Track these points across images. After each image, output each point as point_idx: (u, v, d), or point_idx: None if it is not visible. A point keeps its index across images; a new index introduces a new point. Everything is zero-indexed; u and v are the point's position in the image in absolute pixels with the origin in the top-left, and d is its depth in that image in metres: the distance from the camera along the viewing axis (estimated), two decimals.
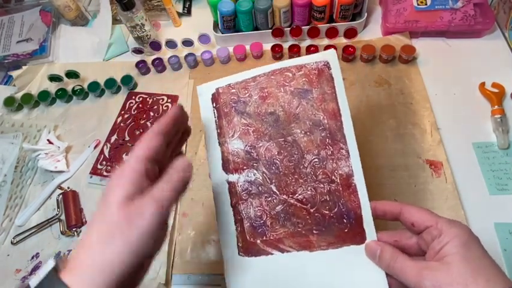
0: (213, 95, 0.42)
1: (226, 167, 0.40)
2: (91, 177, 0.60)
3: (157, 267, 0.49)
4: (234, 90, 0.41)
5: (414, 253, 0.33)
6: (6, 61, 0.77)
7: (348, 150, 0.37)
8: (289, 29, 0.68)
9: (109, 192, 0.27)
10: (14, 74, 0.74)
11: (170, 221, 0.53)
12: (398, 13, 0.66)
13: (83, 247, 0.27)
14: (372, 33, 0.70)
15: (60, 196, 0.58)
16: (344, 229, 0.36)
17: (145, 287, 0.49)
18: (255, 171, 0.39)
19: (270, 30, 0.69)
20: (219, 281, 0.49)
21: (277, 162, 0.38)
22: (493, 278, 0.27)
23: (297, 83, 0.39)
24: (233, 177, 0.40)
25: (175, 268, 0.50)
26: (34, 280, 0.26)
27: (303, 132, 0.38)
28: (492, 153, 0.53)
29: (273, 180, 0.38)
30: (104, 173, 0.59)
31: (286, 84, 0.40)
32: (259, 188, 0.39)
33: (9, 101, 0.69)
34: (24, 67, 0.75)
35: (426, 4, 0.65)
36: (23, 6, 0.84)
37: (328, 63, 0.38)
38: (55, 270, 0.26)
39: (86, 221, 0.56)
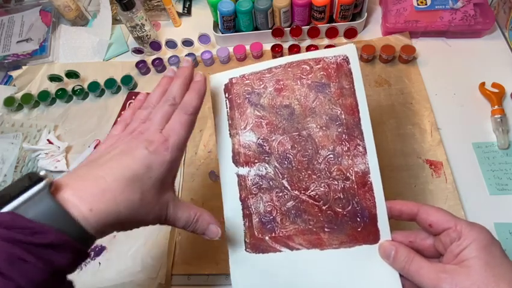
0: (226, 85, 0.41)
1: (237, 159, 0.39)
2: None
3: (157, 267, 0.49)
4: (248, 81, 0.40)
5: (429, 255, 0.32)
6: (6, 61, 0.77)
7: (366, 146, 0.35)
8: (289, 29, 0.68)
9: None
10: (14, 74, 0.74)
11: None
12: (398, 13, 0.66)
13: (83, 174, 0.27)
14: (372, 33, 0.70)
15: None
16: (357, 228, 0.35)
17: (145, 287, 0.49)
18: (266, 165, 0.38)
19: (270, 30, 0.69)
20: (219, 282, 0.49)
21: (290, 156, 0.37)
22: None
23: (314, 76, 0.38)
24: (243, 171, 0.39)
25: (175, 268, 0.50)
26: (19, 199, 0.24)
27: (318, 126, 0.37)
28: (492, 153, 0.53)
29: (285, 175, 0.37)
30: None
31: (304, 77, 0.38)
32: (270, 182, 0.38)
33: (9, 101, 0.69)
34: (24, 67, 0.75)
35: (426, 4, 0.65)
36: (23, 6, 0.84)
37: (347, 57, 0.37)
38: (49, 188, 0.25)
39: None
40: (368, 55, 0.64)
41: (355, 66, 0.37)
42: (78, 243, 0.25)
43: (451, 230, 0.30)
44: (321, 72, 0.38)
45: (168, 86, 0.36)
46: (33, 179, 0.25)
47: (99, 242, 0.54)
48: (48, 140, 0.62)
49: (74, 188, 0.26)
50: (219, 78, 0.41)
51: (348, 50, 0.37)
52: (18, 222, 0.23)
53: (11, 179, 0.60)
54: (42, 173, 0.25)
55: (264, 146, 0.38)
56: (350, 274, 0.34)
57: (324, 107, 0.37)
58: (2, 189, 0.25)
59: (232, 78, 0.41)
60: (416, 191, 0.51)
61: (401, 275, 0.32)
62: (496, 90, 0.58)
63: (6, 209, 0.23)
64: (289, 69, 0.39)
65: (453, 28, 0.64)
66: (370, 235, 0.34)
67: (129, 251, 0.52)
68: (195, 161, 0.59)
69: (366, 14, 0.68)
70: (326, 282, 0.35)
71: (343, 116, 0.37)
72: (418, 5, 0.65)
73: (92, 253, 0.53)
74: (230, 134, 0.40)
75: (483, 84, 0.59)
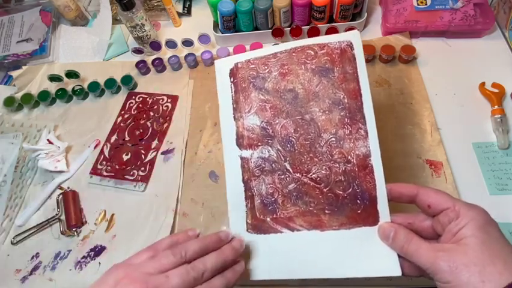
0: (231, 69, 0.42)
1: (240, 142, 0.40)
2: (91, 177, 0.60)
3: None
4: (253, 66, 0.41)
5: (428, 236, 0.32)
6: (6, 61, 0.77)
7: (367, 130, 0.36)
8: (289, 29, 0.68)
9: None
10: (14, 74, 0.74)
11: (171, 221, 0.53)
12: (398, 13, 0.66)
13: None
14: (372, 33, 0.70)
15: (60, 196, 0.58)
16: (357, 210, 0.35)
17: None
18: (269, 148, 0.39)
19: (270, 30, 0.69)
20: None
21: (293, 140, 0.38)
22: (511, 260, 0.27)
23: (318, 61, 0.39)
24: (246, 153, 0.40)
25: None
26: None
27: (321, 110, 0.38)
28: (492, 153, 0.53)
29: (288, 158, 0.38)
30: (104, 173, 0.59)
31: (308, 62, 0.39)
32: (273, 165, 0.39)
33: (9, 101, 0.69)
34: (24, 67, 0.75)
35: (426, 4, 0.65)
36: (23, 6, 0.84)
37: (351, 43, 0.38)
38: None
39: (86, 221, 0.56)
40: (368, 55, 0.64)
41: (359, 52, 0.38)
42: None
43: (449, 210, 0.30)
44: (325, 57, 0.39)
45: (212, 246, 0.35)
46: None
47: (99, 242, 0.54)
48: (48, 140, 0.62)
49: None
50: (225, 63, 0.42)
51: (352, 36, 0.38)
52: None
53: (11, 179, 0.60)
54: None
55: (268, 129, 0.39)
56: (349, 255, 0.35)
57: (327, 91, 0.38)
58: None
59: (237, 63, 0.42)
60: None
61: (399, 256, 0.33)
62: (496, 90, 0.58)
63: None
64: (294, 54, 0.40)
65: (453, 28, 0.64)
66: (370, 217, 0.35)
67: (129, 251, 0.52)
68: (195, 161, 0.59)
69: (366, 14, 0.68)
70: (325, 262, 0.35)
71: (346, 100, 0.37)
72: (418, 5, 0.65)
73: (92, 253, 0.53)
74: (234, 117, 0.41)
75: (483, 84, 0.59)
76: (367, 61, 0.65)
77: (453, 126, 0.57)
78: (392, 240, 0.32)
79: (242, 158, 0.40)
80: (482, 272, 0.26)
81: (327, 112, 0.38)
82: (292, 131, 0.38)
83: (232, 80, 0.42)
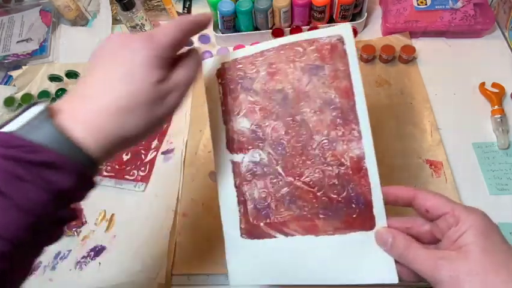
0: (219, 70, 0.39)
1: (231, 146, 0.39)
2: None
3: (157, 267, 0.49)
4: (240, 66, 0.39)
5: (427, 241, 0.31)
6: (6, 61, 0.76)
7: (361, 131, 0.34)
8: (289, 29, 0.68)
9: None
10: (14, 74, 0.74)
11: (171, 221, 0.53)
12: (398, 13, 0.66)
13: (84, 95, 0.26)
14: (372, 33, 0.70)
15: None
16: (352, 214, 0.34)
17: (145, 287, 0.49)
18: (260, 151, 0.37)
19: (270, 30, 0.69)
20: (219, 281, 0.49)
21: (284, 142, 0.37)
22: None
23: (308, 58, 0.36)
24: (237, 157, 0.38)
25: (175, 268, 0.50)
26: (15, 122, 0.23)
27: (312, 111, 0.36)
28: (492, 153, 0.53)
29: (279, 162, 0.37)
30: (104, 173, 0.59)
31: (297, 59, 0.37)
32: (265, 169, 0.37)
33: (9, 101, 0.69)
34: (24, 67, 0.75)
35: (426, 4, 0.65)
36: (23, 6, 0.84)
37: (342, 37, 0.35)
38: (46, 112, 0.24)
39: (86, 221, 0.56)
40: (368, 55, 0.64)
41: (350, 46, 0.35)
42: (80, 165, 0.24)
43: (448, 215, 0.29)
44: (315, 54, 0.36)
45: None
46: (30, 105, 0.25)
47: (99, 242, 0.54)
48: None
49: (69, 110, 0.25)
50: (212, 64, 0.40)
51: (343, 29, 0.35)
52: (16, 141, 0.22)
53: None
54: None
55: (258, 132, 0.38)
56: (345, 260, 0.34)
57: (318, 90, 0.36)
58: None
59: (224, 63, 0.39)
60: None
61: (396, 261, 0.32)
62: (496, 90, 0.58)
63: (4, 130, 0.23)
64: (282, 51, 0.37)
65: (453, 28, 0.64)
66: (365, 222, 0.34)
67: (129, 251, 0.52)
68: (195, 161, 0.59)
69: (366, 14, 0.68)
70: (320, 268, 0.35)
71: (337, 100, 0.35)
72: (418, 5, 0.65)
73: (92, 253, 0.53)
74: (224, 120, 0.39)
75: (483, 84, 0.59)
76: (367, 61, 0.65)
77: (453, 126, 0.57)
78: (390, 247, 0.31)
79: (233, 162, 0.38)
80: (485, 281, 0.25)
81: (318, 113, 0.36)
82: (283, 133, 0.37)
83: (219, 81, 0.39)
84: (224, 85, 0.39)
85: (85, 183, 0.26)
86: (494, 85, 0.59)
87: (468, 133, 0.56)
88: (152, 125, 0.28)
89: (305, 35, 0.37)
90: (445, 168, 0.52)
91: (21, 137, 0.22)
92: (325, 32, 0.36)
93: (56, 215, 0.24)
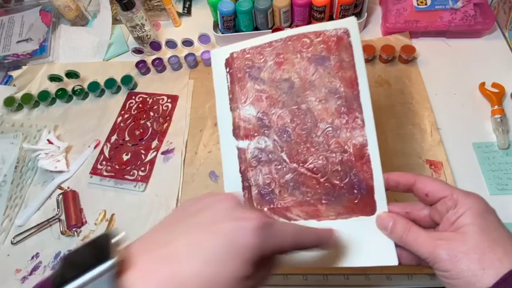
0: (227, 59, 0.41)
1: (237, 133, 0.40)
2: (91, 177, 0.60)
3: None
4: (248, 55, 0.41)
5: (426, 225, 0.32)
6: (6, 61, 0.77)
7: (364, 119, 0.36)
8: (289, 29, 0.68)
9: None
10: (14, 74, 0.74)
11: None
12: (398, 13, 0.66)
13: (166, 257, 0.23)
14: (372, 33, 0.70)
15: (60, 196, 0.58)
16: (354, 200, 0.35)
17: None
18: (266, 138, 0.39)
19: (270, 30, 0.69)
20: None
21: (289, 130, 0.38)
22: (511, 248, 0.26)
23: (314, 49, 0.38)
24: (243, 144, 0.39)
25: None
26: (80, 280, 0.20)
27: (318, 100, 0.37)
28: (492, 153, 0.53)
29: (284, 148, 0.38)
30: (104, 173, 0.59)
31: (304, 50, 0.39)
32: (270, 155, 0.38)
33: (9, 101, 0.69)
34: (24, 67, 0.75)
35: (426, 4, 0.65)
36: (23, 6, 0.84)
37: (348, 30, 0.37)
38: (114, 271, 0.21)
39: (86, 221, 0.56)
40: (368, 55, 0.64)
41: (355, 39, 0.37)
42: None
43: (447, 198, 0.30)
44: (321, 45, 0.38)
45: None
46: (102, 253, 0.22)
47: None
48: (48, 140, 0.62)
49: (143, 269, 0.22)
50: (220, 53, 0.42)
51: (349, 22, 0.37)
52: None
53: (11, 179, 0.60)
54: (118, 236, 0.23)
55: (264, 119, 0.39)
56: (347, 244, 0.35)
57: (323, 80, 0.38)
58: (71, 254, 0.23)
59: (233, 53, 0.41)
60: None
61: (397, 245, 0.32)
62: (496, 90, 0.58)
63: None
64: (289, 42, 0.39)
65: (453, 28, 0.64)
66: (367, 207, 0.35)
67: None
68: (195, 161, 0.59)
69: (366, 14, 0.68)
70: (322, 252, 0.35)
71: (342, 89, 0.37)
72: (418, 5, 0.65)
73: None
74: (230, 108, 0.40)
75: (483, 84, 0.59)
76: (367, 61, 0.65)
77: (453, 126, 0.57)
78: (390, 231, 0.32)
79: (239, 149, 0.39)
80: (482, 259, 0.26)
81: (323, 101, 0.37)
82: (289, 121, 0.38)
83: (227, 70, 0.41)
84: (232, 74, 0.41)
85: None
86: (494, 85, 0.59)
87: (468, 133, 0.56)
88: None
89: (312, 27, 0.38)
90: (445, 168, 0.52)
91: None
92: (331, 25, 0.38)
93: None
